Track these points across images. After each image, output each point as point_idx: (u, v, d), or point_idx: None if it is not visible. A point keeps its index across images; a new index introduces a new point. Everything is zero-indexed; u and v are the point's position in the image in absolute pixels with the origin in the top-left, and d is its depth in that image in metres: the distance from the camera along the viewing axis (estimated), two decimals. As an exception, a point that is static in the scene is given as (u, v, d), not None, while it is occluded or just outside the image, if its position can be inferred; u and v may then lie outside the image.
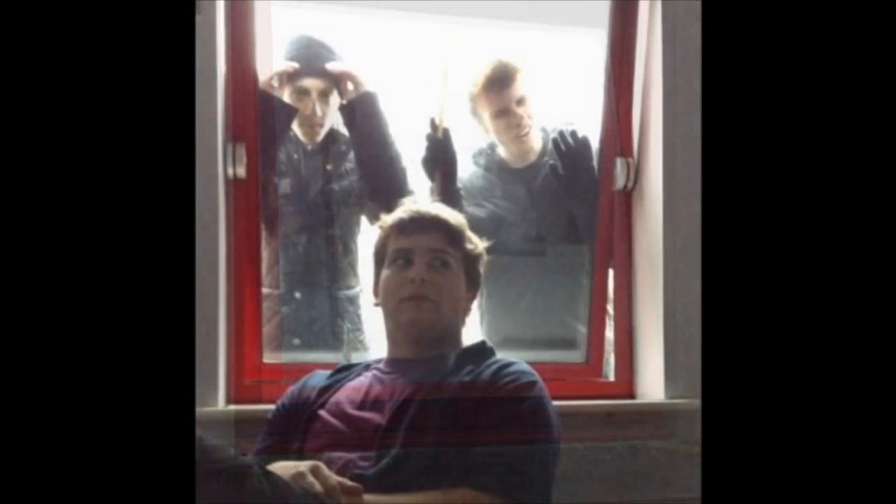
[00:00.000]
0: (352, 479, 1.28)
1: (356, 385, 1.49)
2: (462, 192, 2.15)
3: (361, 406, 1.43)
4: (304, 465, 1.21)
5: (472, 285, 1.58)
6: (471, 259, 1.56)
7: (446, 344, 1.51)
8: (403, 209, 1.58)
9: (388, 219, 1.58)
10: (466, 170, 2.28)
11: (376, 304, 1.59)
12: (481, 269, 1.60)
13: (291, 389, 1.57)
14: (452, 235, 1.54)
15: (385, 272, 1.54)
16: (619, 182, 2.10)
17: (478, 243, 1.59)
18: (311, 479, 1.18)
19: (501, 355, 1.53)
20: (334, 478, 1.21)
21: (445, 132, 2.09)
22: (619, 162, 2.10)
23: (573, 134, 2.15)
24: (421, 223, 1.54)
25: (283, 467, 1.20)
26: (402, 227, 1.55)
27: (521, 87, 2.19)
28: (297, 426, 1.47)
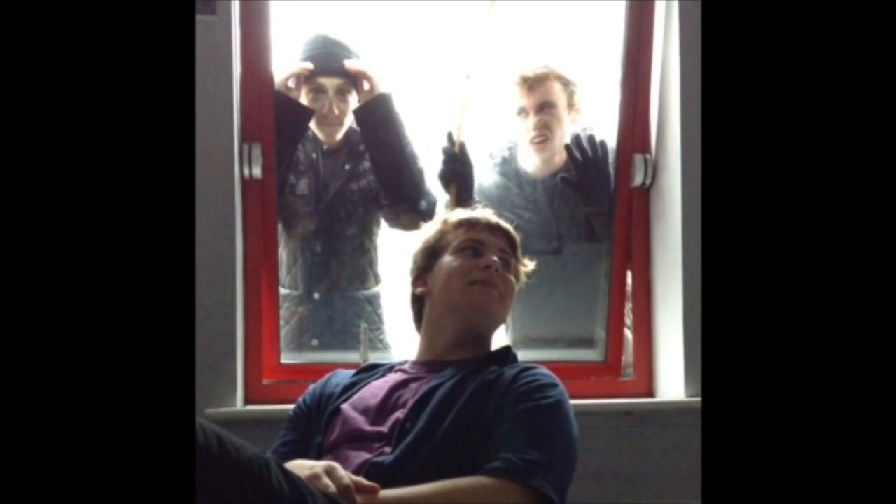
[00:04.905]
0: (369, 468, 1.28)
1: (380, 384, 1.49)
2: (482, 204, 2.14)
3: (384, 404, 1.43)
4: (319, 467, 1.21)
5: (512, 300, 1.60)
6: (519, 276, 1.61)
7: (477, 347, 1.52)
8: (469, 210, 1.64)
9: (452, 216, 1.62)
10: (488, 178, 2.27)
11: (420, 294, 1.59)
12: (517, 291, 1.61)
13: (314, 387, 1.58)
14: (514, 245, 1.60)
15: (448, 259, 1.55)
16: (638, 179, 2.08)
17: (527, 266, 1.63)
18: (325, 480, 1.18)
19: (522, 357, 1.54)
20: (348, 478, 1.21)
21: (462, 146, 2.09)
22: (637, 158, 2.09)
23: (590, 139, 2.14)
24: (490, 225, 1.59)
25: (297, 466, 1.21)
26: (473, 223, 1.59)
27: (558, 89, 2.18)
28: (318, 423, 1.47)
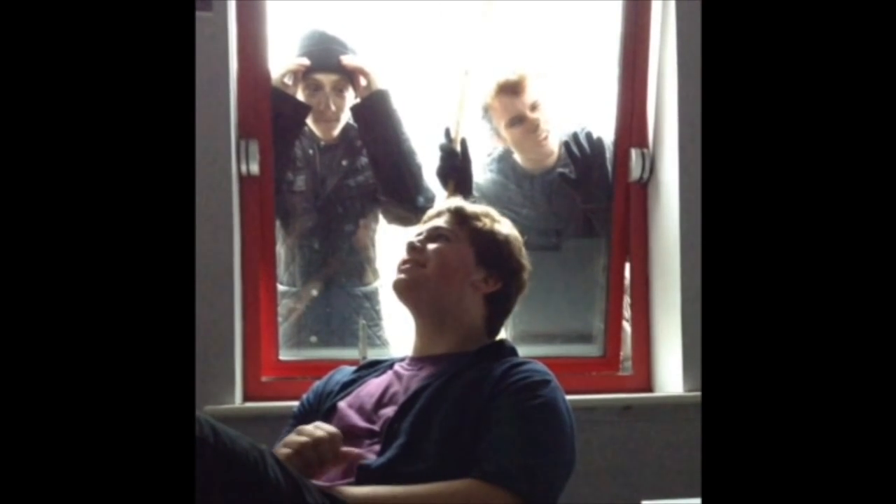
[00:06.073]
0: (358, 470, 1.29)
1: (378, 382, 1.49)
2: (474, 200, 2.13)
3: (379, 401, 1.43)
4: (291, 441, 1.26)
5: (489, 264, 1.51)
6: (479, 234, 1.52)
7: (454, 338, 1.49)
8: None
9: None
10: (484, 176, 2.27)
11: None
12: (504, 251, 1.53)
13: (317, 384, 1.58)
14: (460, 217, 1.54)
15: None
16: (635, 173, 2.08)
17: (487, 222, 1.54)
18: (296, 437, 1.24)
19: (521, 352, 1.51)
20: (319, 432, 1.25)
21: (463, 142, 2.09)
22: (634, 153, 2.09)
23: (588, 136, 2.13)
24: (435, 212, 1.59)
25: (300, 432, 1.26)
26: (426, 218, 1.59)
27: (533, 92, 2.16)
28: (316, 418, 1.47)
